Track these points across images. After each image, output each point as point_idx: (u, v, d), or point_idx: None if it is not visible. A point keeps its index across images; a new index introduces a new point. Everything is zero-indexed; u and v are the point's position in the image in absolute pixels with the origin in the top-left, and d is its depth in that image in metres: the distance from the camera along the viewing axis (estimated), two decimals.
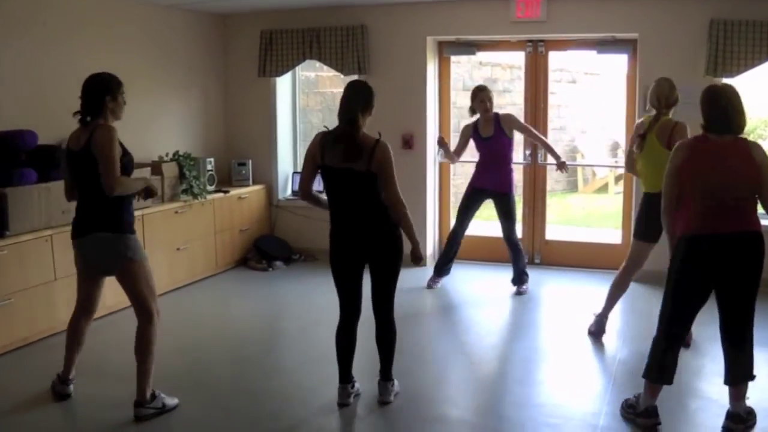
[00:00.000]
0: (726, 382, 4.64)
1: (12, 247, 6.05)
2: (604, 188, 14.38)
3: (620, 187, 10.98)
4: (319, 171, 4.90)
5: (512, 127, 7.71)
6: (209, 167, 8.61)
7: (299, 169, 9.87)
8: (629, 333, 6.56)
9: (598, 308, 6.51)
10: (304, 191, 5.05)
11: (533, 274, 8.41)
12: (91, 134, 4.67)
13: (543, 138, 8.06)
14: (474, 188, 7.85)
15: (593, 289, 7.68)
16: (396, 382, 5.20)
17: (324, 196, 5.04)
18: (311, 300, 7.67)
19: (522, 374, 5.84)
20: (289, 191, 9.74)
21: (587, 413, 5.00)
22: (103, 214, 4.76)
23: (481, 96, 7.67)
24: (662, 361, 4.62)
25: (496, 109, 7.74)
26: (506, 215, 7.73)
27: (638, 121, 6.27)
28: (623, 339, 6.42)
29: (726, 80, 7.59)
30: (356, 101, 4.78)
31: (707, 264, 4.44)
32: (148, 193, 5.03)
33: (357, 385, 5.24)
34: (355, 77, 9.00)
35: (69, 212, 6.33)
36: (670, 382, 4.67)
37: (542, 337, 6.79)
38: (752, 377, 4.62)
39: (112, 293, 6.85)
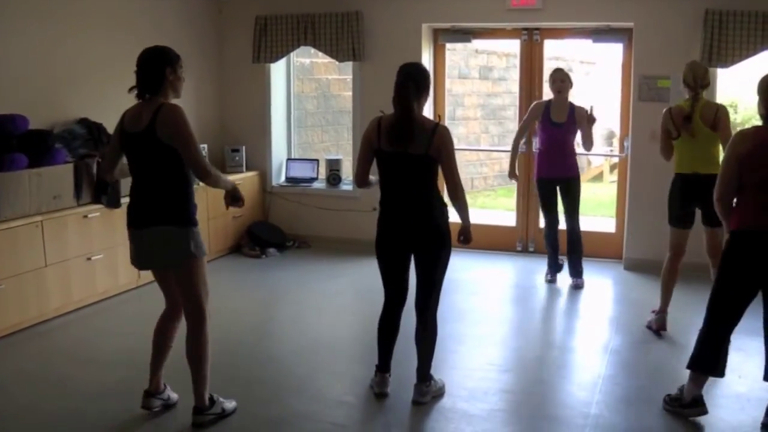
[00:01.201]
0: (766, 378, 4.58)
1: (2, 233, 6.00)
2: (598, 177, 14.39)
3: (615, 175, 10.99)
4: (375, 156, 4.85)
5: (581, 122, 7.42)
6: (203, 153, 8.56)
7: (293, 156, 9.85)
8: (622, 322, 6.55)
9: (656, 305, 6.36)
10: (360, 179, 4.97)
11: (527, 263, 8.41)
12: (155, 115, 4.29)
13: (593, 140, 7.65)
14: (542, 179, 7.60)
15: (587, 277, 7.67)
16: (436, 380, 5.09)
17: (374, 176, 5.00)
18: (304, 287, 7.66)
19: (514, 362, 5.85)
20: (283, 178, 9.71)
21: (579, 402, 5.00)
22: (167, 204, 4.39)
23: (552, 77, 7.53)
24: (708, 352, 4.55)
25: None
26: (572, 201, 7.53)
27: (665, 110, 6.10)
28: (616, 328, 6.41)
29: (720, 70, 7.60)
30: (409, 85, 4.67)
31: (753, 259, 4.36)
32: (233, 198, 4.66)
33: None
34: (350, 64, 9.02)
35: (60, 198, 6.37)
36: (719, 374, 4.60)
37: (535, 325, 6.79)
38: None
39: (102, 279, 6.86)
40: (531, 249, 8.92)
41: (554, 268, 7.86)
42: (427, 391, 4.99)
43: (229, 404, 4.78)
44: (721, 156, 5.48)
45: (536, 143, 7.72)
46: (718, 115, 5.88)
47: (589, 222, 10.64)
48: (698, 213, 6.07)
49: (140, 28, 8.05)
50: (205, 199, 8.43)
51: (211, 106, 9.48)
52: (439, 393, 5.07)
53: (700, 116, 5.88)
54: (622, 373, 5.48)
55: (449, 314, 6.82)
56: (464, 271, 8.11)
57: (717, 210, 4.55)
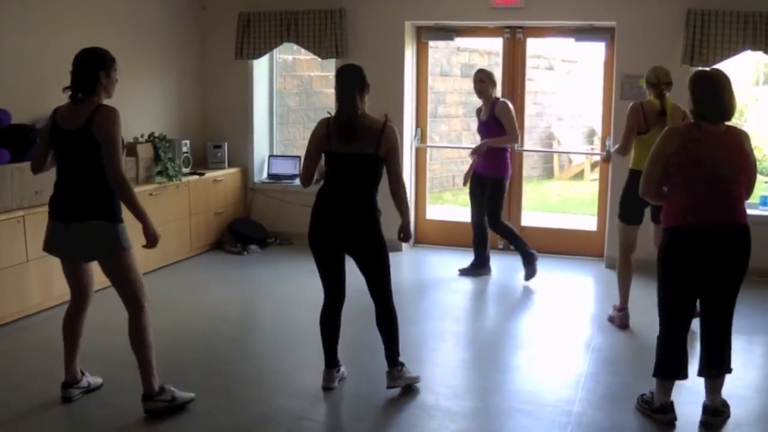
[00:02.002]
0: (700, 374, 4.58)
1: None
2: (579, 175, 14.44)
3: (596, 173, 11.03)
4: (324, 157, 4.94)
5: (501, 115, 7.58)
6: (185, 149, 8.55)
7: (276, 153, 9.83)
8: (604, 320, 6.57)
9: (617, 302, 6.53)
10: (307, 180, 5.04)
11: (509, 261, 8.41)
12: (93, 115, 4.42)
13: (505, 138, 7.65)
14: (474, 173, 7.83)
15: (568, 275, 7.71)
16: (406, 368, 5.11)
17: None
18: (286, 284, 7.65)
19: (496, 360, 5.85)
20: (265, 174, 9.69)
21: (562, 400, 5.01)
22: (97, 200, 4.50)
23: (473, 78, 7.74)
24: (669, 357, 4.56)
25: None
26: (489, 199, 7.70)
27: (635, 105, 6.15)
28: (597, 326, 6.44)
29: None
30: (351, 85, 4.79)
31: (695, 255, 4.38)
32: (148, 237, 4.63)
33: (342, 369, 5.25)
34: (332, 61, 9.01)
35: (42, 193, 6.31)
36: (682, 376, 4.59)
37: (517, 323, 6.81)
38: (729, 370, 4.56)
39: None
40: (512, 247, 8.92)
41: (474, 262, 8.05)
42: (399, 376, 5.03)
43: (183, 394, 4.82)
44: None
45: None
46: (686, 116, 5.88)
47: (571, 220, 10.72)
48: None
49: (123, 23, 8.02)
50: (187, 194, 8.42)
51: (194, 102, 9.44)
52: (413, 381, 5.11)
53: (671, 116, 5.99)
54: (604, 371, 5.51)
55: (431, 312, 6.84)
56: (446, 269, 8.13)
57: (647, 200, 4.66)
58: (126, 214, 4.56)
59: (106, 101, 4.59)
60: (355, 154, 4.77)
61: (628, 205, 6.24)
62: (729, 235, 4.37)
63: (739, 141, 4.36)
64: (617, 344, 6.09)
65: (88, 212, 4.52)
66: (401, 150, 5.14)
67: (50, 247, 4.76)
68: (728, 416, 4.61)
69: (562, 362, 5.76)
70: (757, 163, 4.56)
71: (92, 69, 4.51)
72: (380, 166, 4.83)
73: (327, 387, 5.11)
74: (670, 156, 4.34)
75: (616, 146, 6.40)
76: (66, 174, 4.63)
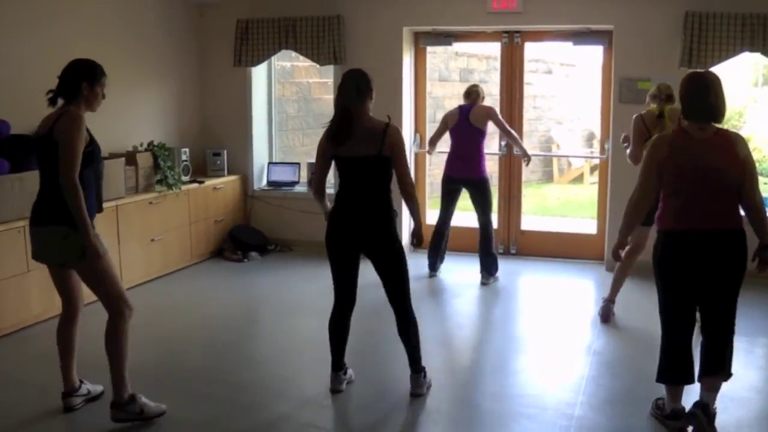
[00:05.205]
0: (698, 379, 4.49)
1: None
2: (579, 178, 14.45)
3: (595, 177, 11.03)
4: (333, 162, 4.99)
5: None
6: (184, 157, 8.56)
7: (275, 160, 9.85)
8: (605, 323, 6.57)
9: (606, 294, 6.73)
10: (317, 187, 5.07)
11: (509, 265, 8.41)
12: (57, 119, 4.47)
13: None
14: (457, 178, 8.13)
15: (569, 279, 7.71)
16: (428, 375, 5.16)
17: (328, 202, 5.12)
18: (286, 290, 7.65)
19: (498, 364, 5.86)
20: (264, 181, 9.70)
21: (563, 403, 5.01)
22: (60, 205, 4.44)
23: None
24: (669, 362, 4.52)
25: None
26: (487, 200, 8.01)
27: (636, 116, 6.38)
28: (598, 330, 6.44)
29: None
30: (349, 88, 4.86)
31: (689, 260, 4.35)
32: (87, 250, 4.49)
33: (350, 371, 5.26)
34: (331, 67, 9.02)
35: None
36: (689, 381, 4.51)
37: (518, 327, 6.81)
38: (728, 375, 4.49)
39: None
40: (513, 251, 8.94)
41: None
42: (423, 383, 5.07)
43: (154, 406, 4.75)
44: None
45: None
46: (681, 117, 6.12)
47: (571, 223, 10.71)
48: None
49: (121, 32, 8.04)
50: (187, 203, 8.43)
51: (193, 109, 9.45)
52: (430, 386, 5.16)
53: (669, 118, 6.16)
54: (605, 374, 5.51)
55: (432, 316, 6.84)
56: (447, 274, 8.13)
57: (632, 212, 4.56)
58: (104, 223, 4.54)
59: (87, 114, 4.60)
60: (359, 157, 4.81)
61: None
62: (721, 240, 4.33)
63: (729, 144, 4.31)
64: (618, 347, 6.09)
65: (54, 217, 4.51)
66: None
67: (34, 254, 4.79)
68: (714, 418, 4.44)
69: (563, 366, 5.76)
70: (757, 164, 4.53)
71: (75, 78, 4.55)
72: (387, 167, 4.85)
73: (335, 390, 5.14)
74: (661, 163, 4.34)
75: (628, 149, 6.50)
76: (41, 180, 4.67)
